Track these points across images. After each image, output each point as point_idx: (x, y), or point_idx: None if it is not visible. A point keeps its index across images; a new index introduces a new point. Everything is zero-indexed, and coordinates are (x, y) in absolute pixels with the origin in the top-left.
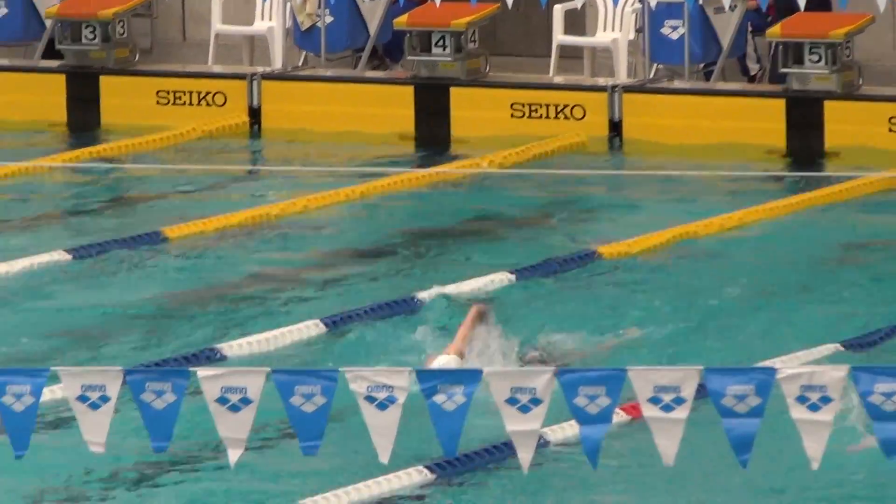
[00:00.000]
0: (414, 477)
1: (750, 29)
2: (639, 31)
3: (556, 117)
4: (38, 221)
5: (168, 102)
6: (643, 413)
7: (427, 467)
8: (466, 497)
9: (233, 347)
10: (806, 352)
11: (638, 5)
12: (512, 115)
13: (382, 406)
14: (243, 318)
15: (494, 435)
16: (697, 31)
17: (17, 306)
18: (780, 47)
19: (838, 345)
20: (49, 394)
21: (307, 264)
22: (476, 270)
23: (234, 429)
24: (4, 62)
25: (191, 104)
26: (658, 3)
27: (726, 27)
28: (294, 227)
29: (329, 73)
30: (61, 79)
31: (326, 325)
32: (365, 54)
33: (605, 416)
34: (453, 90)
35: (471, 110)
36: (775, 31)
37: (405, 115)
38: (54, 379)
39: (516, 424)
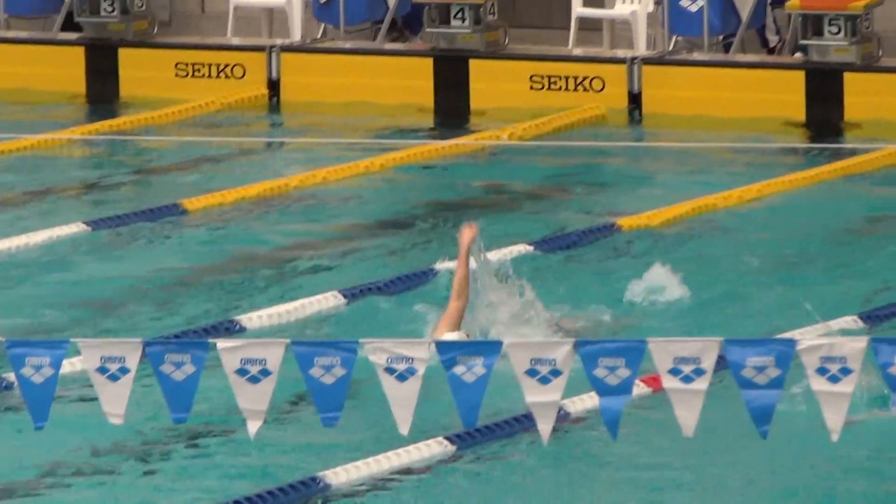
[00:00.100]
0: (434, 448)
1: (769, 0)
2: (658, 3)
3: (575, 89)
4: (58, 194)
5: (187, 75)
6: (663, 384)
7: (447, 439)
8: (487, 469)
9: (252, 319)
10: (825, 323)
11: None
12: (531, 88)
13: (402, 378)
14: (262, 289)
15: (514, 406)
16: (716, 3)
17: (37, 278)
18: (800, 19)
19: (856, 316)
20: (69, 366)
21: (326, 236)
22: (495, 243)
23: (253, 400)
24: (24, 35)
25: (209, 76)
26: None
27: None
28: (313, 198)
29: (348, 45)
30: (80, 51)
31: (346, 296)
32: (384, 26)
33: (624, 388)
34: (472, 62)
35: (490, 82)
36: (794, 2)
37: (424, 87)
38: (74, 351)
39: (536, 396)
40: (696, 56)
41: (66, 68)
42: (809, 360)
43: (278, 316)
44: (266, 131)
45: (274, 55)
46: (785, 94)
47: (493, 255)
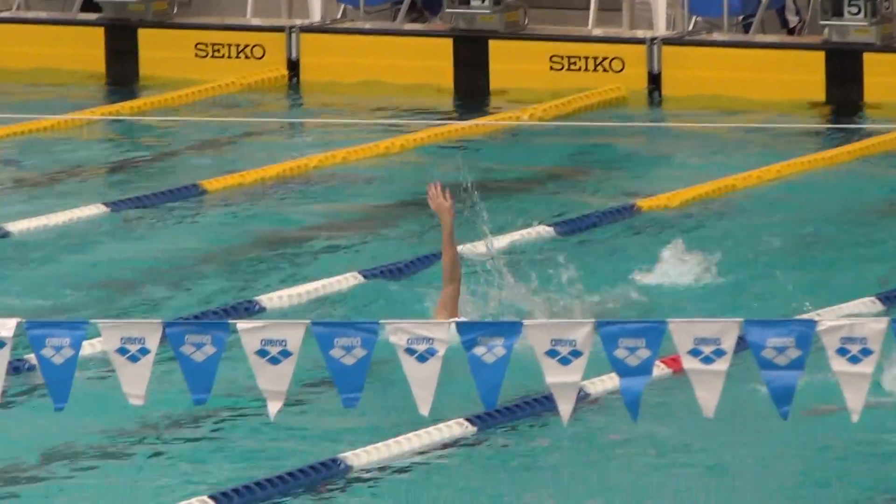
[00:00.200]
0: (454, 430)
1: None
2: None
3: (594, 70)
4: (77, 175)
5: (206, 55)
6: (683, 365)
7: (468, 420)
8: (507, 450)
9: (272, 299)
10: (846, 304)
11: None
12: (551, 68)
13: (422, 358)
14: (282, 270)
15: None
16: None
17: (56, 260)
18: None
19: (875, 297)
20: (88, 347)
21: (346, 217)
22: (514, 224)
23: (273, 381)
24: (43, 15)
25: (229, 57)
26: None
27: None
28: (333, 179)
29: (368, 25)
30: (100, 32)
31: (366, 277)
32: (404, 7)
33: (645, 369)
34: (492, 43)
35: (509, 63)
36: None
37: (444, 68)
38: (94, 332)
39: (556, 377)
40: (716, 36)
41: (86, 49)
42: (830, 341)
43: (298, 296)
44: (285, 112)
45: (293, 36)
46: (805, 74)
47: (513, 236)
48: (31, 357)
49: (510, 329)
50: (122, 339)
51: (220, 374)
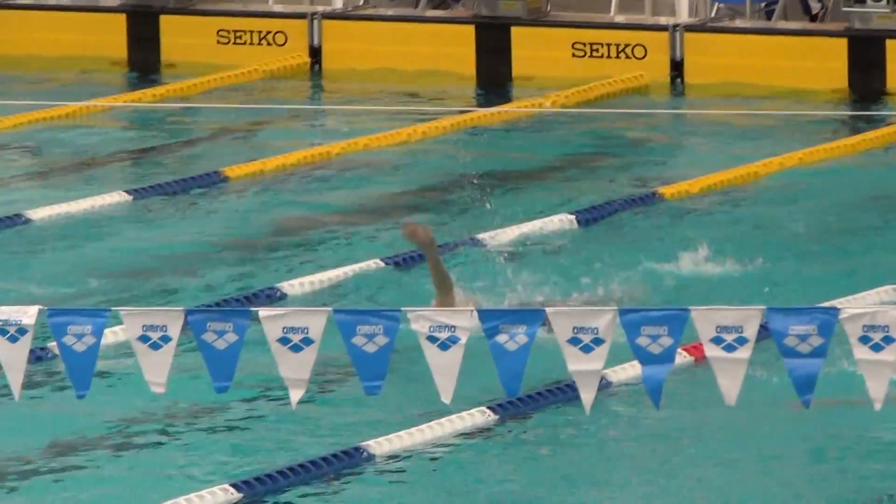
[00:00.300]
0: (477, 418)
1: None
2: None
3: (617, 57)
4: (98, 162)
5: (228, 42)
6: (705, 353)
7: (490, 408)
8: (529, 438)
9: (293, 286)
10: (868, 292)
11: None
12: (573, 55)
13: (444, 346)
14: (304, 257)
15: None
16: None
17: (78, 247)
18: None
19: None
20: (110, 335)
21: (368, 203)
22: (536, 211)
23: (295, 369)
24: (65, 1)
25: (251, 43)
26: None
27: None
28: (354, 166)
29: (390, 12)
30: (122, 18)
31: (387, 264)
32: None
33: (667, 356)
34: (514, 30)
35: (532, 50)
36: None
37: (466, 55)
38: (115, 319)
39: (578, 364)
40: (739, 23)
41: (108, 35)
42: (852, 329)
43: (320, 283)
44: (307, 99)
45: (315, 22)
46: (827, 61)
47: (535, 224)
48: (53, 345)
49: (532, 316)
50: (143, 326)
51: (242, 362)
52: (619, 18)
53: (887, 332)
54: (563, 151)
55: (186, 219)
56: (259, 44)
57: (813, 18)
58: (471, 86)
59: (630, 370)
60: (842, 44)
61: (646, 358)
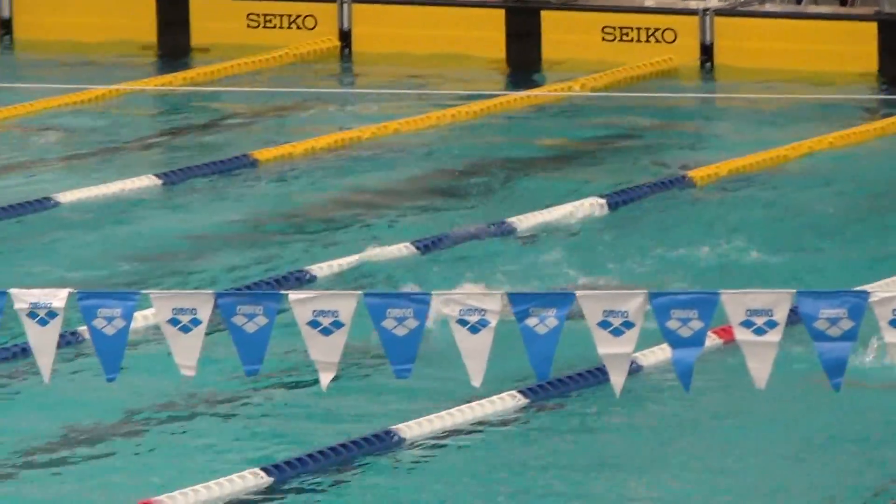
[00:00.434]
0: (507, 402)
1: None
2: None
3: (647, 41)
4: (128, 146)
5: (258, 25)
6: (735, 336)
7: (520, 392)
8: (560, 421)
9: (322, 269)
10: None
11: None
12: (603, 39)
13: (474, 330)
14: (333, 240)
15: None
16: None
17: (108, 231)
18: None
19: None
20: (142, 319)
21: (397, 187)
22: (567, 195)
23: (325, 352)
24: None
25: (281, 27)
26: None
27: None
28: (383, 150)
29: None
30: (151, 2)
31: (417, 247)
32: None
33: (697, 340)
34: (544, 13)
35: (562, 34)
36: None
37: (496, 39)
38: (146, 302)
39: (608, 348)
40: (769, 7)
41: (138, 19)
42: (882, 312)
43: (349, 267)
44: (337, 83)
45: (345, 6)
46: (857, 45)
47: (565, 208)
48: (82, 327)
49: (562, 300)
50: (173, 309)
51: (272, 345)
52: (649, 2)
53: None
54: (592, 135)
55: (216, 202)
56: (289, 27)
57: (843, 2)
58: (500, 70)
59: (660, 353)
60: (872, 28)
61: (676, 341)
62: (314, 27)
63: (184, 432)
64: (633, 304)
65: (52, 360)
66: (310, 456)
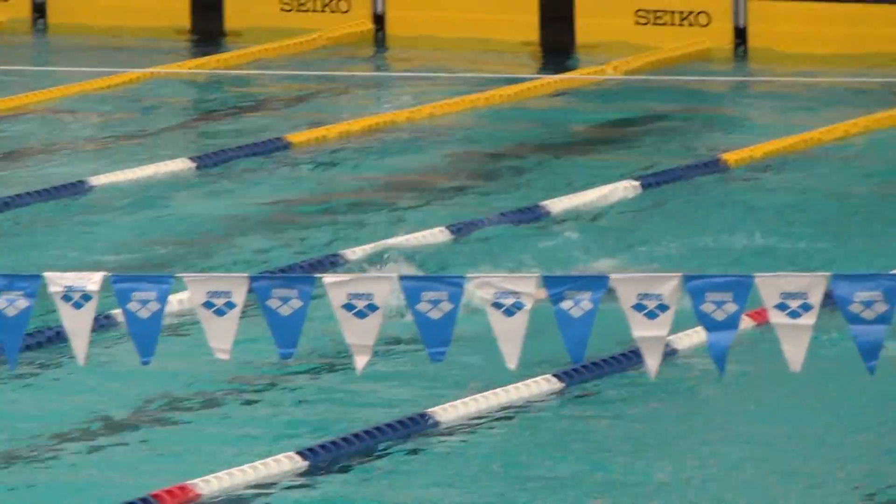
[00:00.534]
0: (542, 385)
1: None
2: None
3: (680, 24)
4: (162, 129)
5: (291, 9)
6: (770, 319)
7: (555, 375)
8: (595, 404)
9: (356, 253)
10: None
11: None
12: (636, 23)
13: (509, 312)
14: (367, 224)
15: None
16: None
17: (142, 214)
18: None
19: None
20: (177, 303)
21: (432, 171)
22: (601, 178)
23: (360, 335)
24: None
25: (314, 11)
26: None
27: None
28: (417, 134)
29: None
30: None
31: (452, 231)
32: None
33: (731, 323)
34: None
35: (596, 17)
36: None
37: (530, 22)
38: (180, 285)
39: (643, 331)
40: None
41: (172, 3)
42: None
43: (383, 250)
44: (371, 66)
45: None
46: (892, 28)
47: (599, 192)
48: (116, 311)
49: (597, 283)
50: (208, 293)
51: (307, 329)
52: None
53: None
54: (625, 118)
55: (250, 185)
56: (322, 11)
57: None
58: (534, 53)
59: (695, 337)
60: None
61: (710, 324)
62: (348, 11)
63: (217, 416)
64: (668, 286)
65: (87, 343)
66: (345, 439)
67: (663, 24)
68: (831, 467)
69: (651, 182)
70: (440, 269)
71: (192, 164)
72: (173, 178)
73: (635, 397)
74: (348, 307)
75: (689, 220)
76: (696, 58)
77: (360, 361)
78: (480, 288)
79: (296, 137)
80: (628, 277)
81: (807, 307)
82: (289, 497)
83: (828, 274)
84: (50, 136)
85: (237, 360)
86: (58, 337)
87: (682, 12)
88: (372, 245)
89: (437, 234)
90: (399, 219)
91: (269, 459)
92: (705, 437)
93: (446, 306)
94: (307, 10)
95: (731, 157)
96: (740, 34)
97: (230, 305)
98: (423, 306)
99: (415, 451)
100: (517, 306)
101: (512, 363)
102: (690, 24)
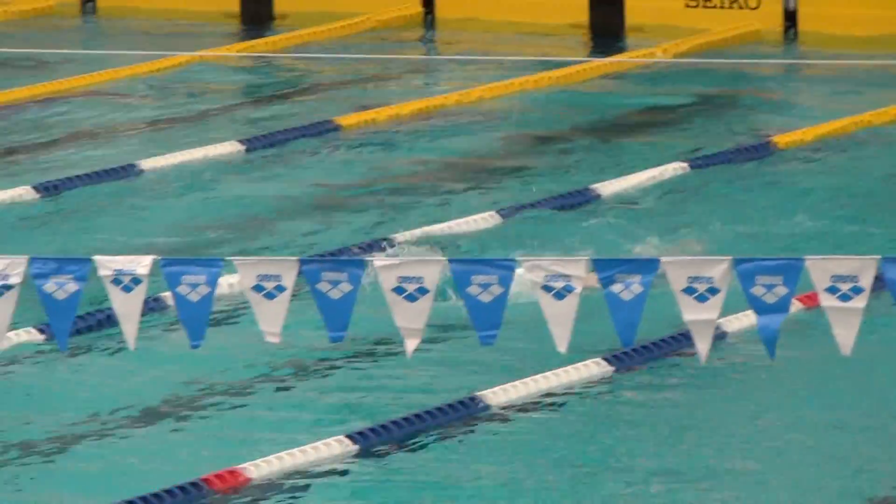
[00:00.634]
0: (592, 369)
1: None
2: None
3: (730, 7)
4: (212, 112)
5: None
6: (821, 302)
7: (605, 358)
8: (645, 388)
9: (406, 237)
10: None
11: None
12: (686, 5)
13: (560, 296)
14: (417, 207)
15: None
16: None
17: (191, 197)
18: None
19: None
20: (227, 287)
21: (482, 155)
22: (650, 160)
23: (410, 319)
24: None
25: None
26: None
27: None
28: (467, 117)
29: None
30: None
31: (501, 215)
32: None
33: (782, 306)
34: None
35: (645, 0)
36: None
37: (579, 4)
38: (230, 269)
39: (693, 314)
40: None
41: None
42: None
43: (433, 234)
44: (421, 48)
45: None
46: None
47: (647, 174)
48: (166, 294)
49: (647, 266)
50: (258, 276)
51: (356, 312)
52: None
53: None
54: (675, 101)
55: (299, 169)
56: None
57: None
58: (584, 35)
59: (744, 320)
60: None
61: (761, 307)
62: None
63: (267, 400)
64: (719, 269)
65: (136, 327)
66: (395, 422)
67: (713, 7)
68: (878, 453)
69: (700, 164)
70: (490, 253)
71: (242, 148)
72: (223, 162)
73: (685, 381)
74: (398, 290)
75: (738, 203)
76: (745, 40)
77: (410, 345)
78: (531, 271)
79: (345, 120)
80: (678, 260)
81: (857, 290)
82: (338, 481)
83: (878, 257)
84: (99, 119)
85: (286, 344)
86: (108, 320)
87: None
88: (421, 228)
89: (486, 218)
90: (448, 202)
91: (318, 443)
92: (754, 421)
93: (496, 290)
94: None
95: (781, 139)
96: (790, 16)
97: (280, 289)
98: (473, 289)
99: (464, 435)
100: (567, 289)
101: (562, 346)
102: (740, 7)
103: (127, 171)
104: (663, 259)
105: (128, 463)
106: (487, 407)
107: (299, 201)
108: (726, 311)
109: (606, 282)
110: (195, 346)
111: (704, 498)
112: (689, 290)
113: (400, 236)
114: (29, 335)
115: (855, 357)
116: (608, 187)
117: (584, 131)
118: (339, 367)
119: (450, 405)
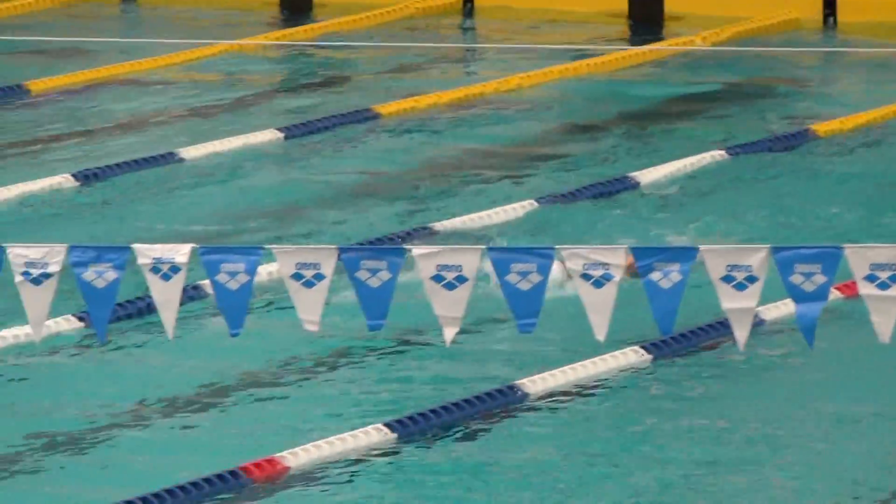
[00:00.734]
0: (630, 357)
1: None
2: None
3: None
4: (250, 100)
5: None
6: (859, 291)
7: (643, 347)
8: (683, 376)
9: (445, 226)
10: None
11: None
12: None
13: (598, 284)
14: (455, 195)
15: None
16: None
17: (231, 185)
18: None
19: None
20: (266, 275)
21: (520, 142)
22: (689, 148)
23: (449, 307)
24: None
25: None
26: None
27: None
28: (507, 105)
29: None
30: None
31: (540, 203)
32: None
33: (821, 294)
34: None
35: None
36: None
37: None
38: (269, 257)
39: (732, 302)
40: None
41: None
42: None
43: (472, 222)
44: (459, 37)
45: None
46: None
47: (687, 161)
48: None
49: (686, 254)
50: (297, 264)
51: (394, 302)
52: None
53: None
54: (713, 89)
55: (338, 157)
56: None
57: None
58: (623, 24)
59: (783, 308)
60: None
61: (799, 296)
62: None
63: (305, 389)
64: (757, 258)
65: (175, 315)
66: (433, 411)
67: None
68: None
69: (738, 153)
70: (528, 241)
71: (281, 136)
72: (262, 150)
73: (724, 369)
74: (437, 279)
75: (776, 191)
76: (784, 28)
77: (449, 333)
78: (569, 259)
79: (384, 108)
80: (717, 249)
81: None
82: (377, 469)
83: None
84: (139, 108)
85: (324, 333)
86: (147, 308)
87: None
88: (461, 217)
89: (525, 206)
90: (487, 190)
91: (357, 431)
92: (791, 410)
93: (535, 278)
94: None
95: (820, 127)
96: (829, 4)
97: (319, 277)
98: (512, 277)
99: (502, 424)
100: (606, 277)
101: (601, 334)
102: None
103: (166, 159)
104: (702, 247)
105: (167, 451)
106: (526, 395)
107: (338, 189)
108: (763, 300)
109: (645, 270)
110: (234, 335)
111: (741, 490)
112: (727, 279)
113: (438, 225)
114: (68, 323)
115: (893, 346)
116: (646, 175)
117: (623, 119)
118: (377, 356)
119: (488, 394)
